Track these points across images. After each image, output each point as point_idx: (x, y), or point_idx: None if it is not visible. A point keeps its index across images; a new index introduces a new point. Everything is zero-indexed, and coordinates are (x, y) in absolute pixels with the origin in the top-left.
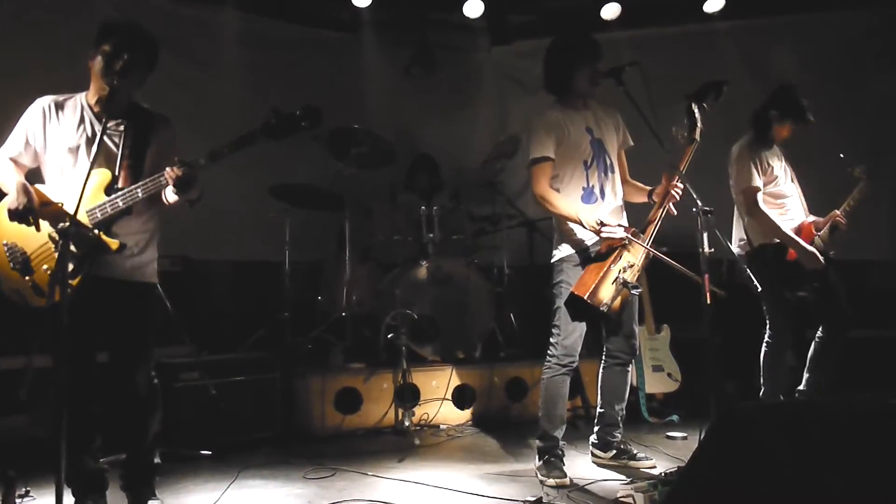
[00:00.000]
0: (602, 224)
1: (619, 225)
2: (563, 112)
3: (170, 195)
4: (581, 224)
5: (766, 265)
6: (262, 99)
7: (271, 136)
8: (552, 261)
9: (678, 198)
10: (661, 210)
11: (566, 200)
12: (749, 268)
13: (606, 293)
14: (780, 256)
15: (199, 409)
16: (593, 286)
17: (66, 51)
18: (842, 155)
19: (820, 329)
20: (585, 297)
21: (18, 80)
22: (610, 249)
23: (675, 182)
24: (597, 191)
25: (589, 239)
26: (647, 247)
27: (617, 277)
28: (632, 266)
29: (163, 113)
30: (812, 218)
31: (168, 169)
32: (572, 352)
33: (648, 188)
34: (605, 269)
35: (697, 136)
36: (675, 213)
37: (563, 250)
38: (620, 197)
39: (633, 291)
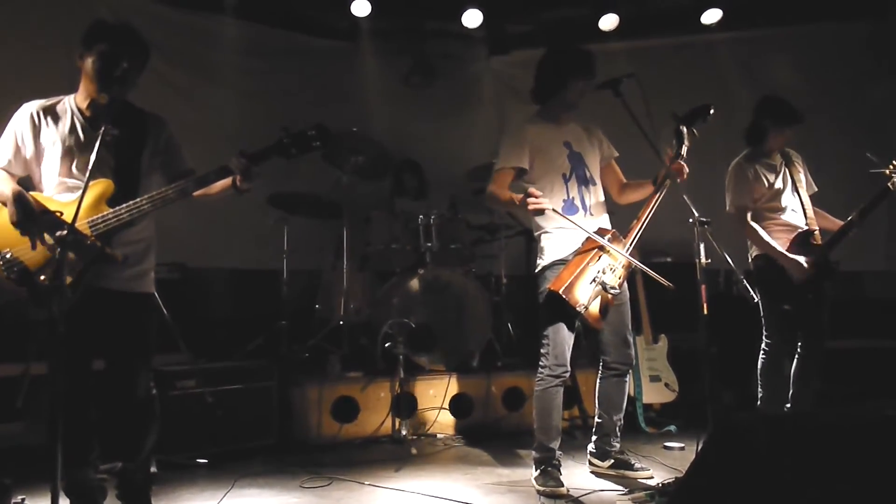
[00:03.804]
0: (528, 195)
1: (602, 228)
2: (542, 125)
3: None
4: (515, 202)
5: (764, 276)
6: (261, 107)
7: (284, 154)
8: (536, 271)
9: (686, 170)
10: (649, 210)
11: (502, 190)
12: (752, 278)
13: (583, 293)
14: (776, 268)
15: (195, 417)
16: (568, 282)
17: (61, 56)
18: (868, 154)
19: (800, 343)
20: (560, 292)
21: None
22: (588, 248)
23: (679, 161)
24: (577, 202)
25: (570, 246)
26: (625, 254)
27: (595, 278)
28: (613, 269)
29: (157, 113)
30: (816, 229)
31: (234, 159)
32: (563, 361)
33: (648, 181)
34: (582, 266)
35: (684, 153)
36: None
37: (546, 259)
38: (603, 208)
39: (612, 293)
